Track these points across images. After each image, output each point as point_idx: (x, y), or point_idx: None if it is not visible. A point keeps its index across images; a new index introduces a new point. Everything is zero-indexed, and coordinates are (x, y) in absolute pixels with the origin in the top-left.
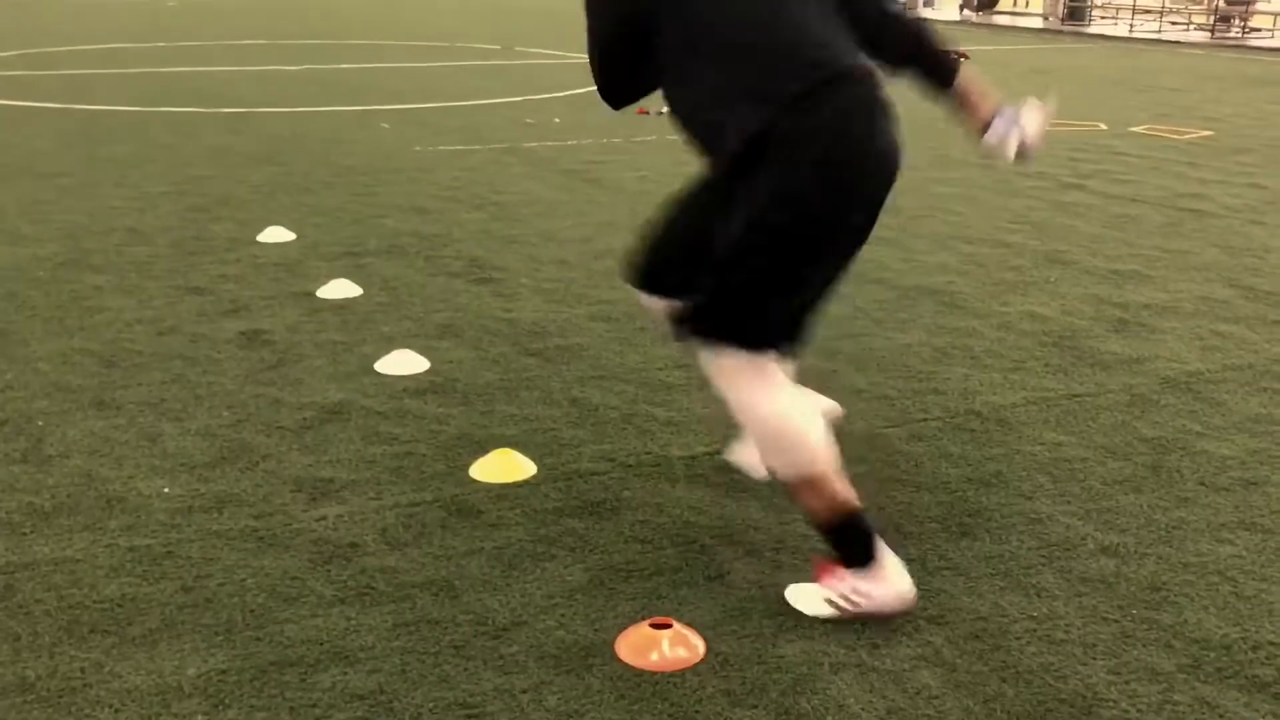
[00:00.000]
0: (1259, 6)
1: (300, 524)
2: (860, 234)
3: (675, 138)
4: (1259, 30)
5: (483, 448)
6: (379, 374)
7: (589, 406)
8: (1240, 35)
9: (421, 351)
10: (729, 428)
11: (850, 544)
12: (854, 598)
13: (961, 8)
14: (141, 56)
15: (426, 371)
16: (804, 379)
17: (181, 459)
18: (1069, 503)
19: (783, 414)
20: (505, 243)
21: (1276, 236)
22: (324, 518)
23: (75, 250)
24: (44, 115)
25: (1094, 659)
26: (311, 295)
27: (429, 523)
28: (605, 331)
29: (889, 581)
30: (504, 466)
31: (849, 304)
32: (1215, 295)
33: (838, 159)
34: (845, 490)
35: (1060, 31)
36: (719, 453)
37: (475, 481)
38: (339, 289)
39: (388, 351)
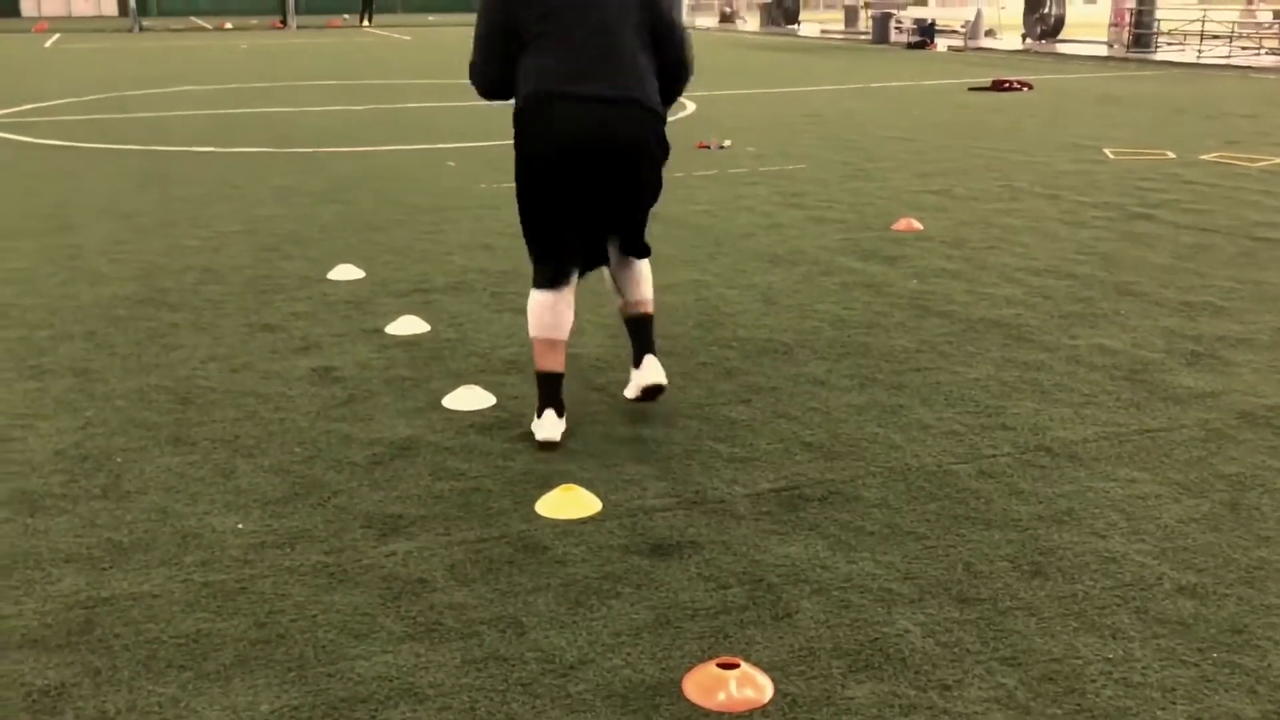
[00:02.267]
0: None
1: (370, 560)
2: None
3: (736, 172)
4: None
5: (548, 484)
6: (447, 410)
7: (653, 442)
8: None
9: (488, 387)
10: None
11: (539, 391)
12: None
13: (1024, 37)
14: (215, 98)
15: (493, 407)
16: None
17: (254, 495)
18: (1144, 541)
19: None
20: None
21: None
22: (393, 553)
23: (152, 289)
24: (123, 156)
25: (1173, 704)
26: (381, 332)
27: (496, 559)
28: (667, 366)
29: (541, 425)
30: (569, 503)
31: (915, 337)
32: None
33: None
34: (552, 362)
35: (1126, 59)
36: (786, 490)
37: (541, 518)
38: (408, 325)
39: (455, 387)
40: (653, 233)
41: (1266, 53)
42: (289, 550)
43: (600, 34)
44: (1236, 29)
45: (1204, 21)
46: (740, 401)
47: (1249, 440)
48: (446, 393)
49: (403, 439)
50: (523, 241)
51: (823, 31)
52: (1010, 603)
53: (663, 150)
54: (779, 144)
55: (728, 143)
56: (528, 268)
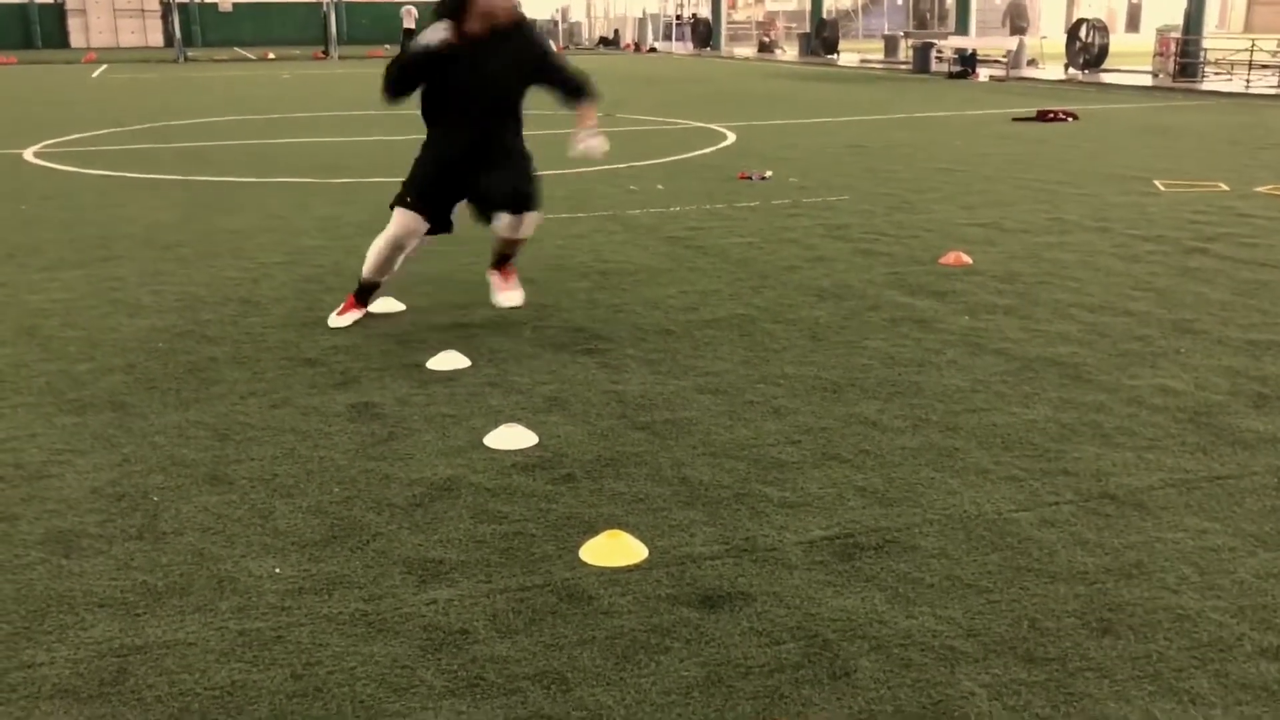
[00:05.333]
0: None
1: (410, 608)
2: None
3: (778, 203)
4: None
5: (592, 528)
6: (488, 449)
7: (699, 485)
8: None
9: (530, 425)
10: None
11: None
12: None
13: (1066, 67)
14: (259, 128)
15: (535, 446)
16: None
17: (293, 537)
18: (1219, 597)
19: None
20: (611, 312)
21: None
22: (434, 601)
23: (192, 321)
24: (167, 187)
25: None
26: (421, 367)
27: (540, 608)
28: (713, 405)
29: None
30: (615, 549)
31: (968, 376)
32: None
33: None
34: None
35: (1171, 89)
36: (839, 537)
37: (586, 564)
38: (448, 360)
39: (497, 425)
40: (694, 266)
41: None
42: (327, 597)
43: None
44: None
45: (1252, 50)
46: (790, 443)
47: None
48: (488, 431)
49: (443, 479)
50: (561, 274)
51: (862, 61)
52: (1080, 663)
53: None
54: (821, 175)
55: (769, 173)
56: (569, 301)
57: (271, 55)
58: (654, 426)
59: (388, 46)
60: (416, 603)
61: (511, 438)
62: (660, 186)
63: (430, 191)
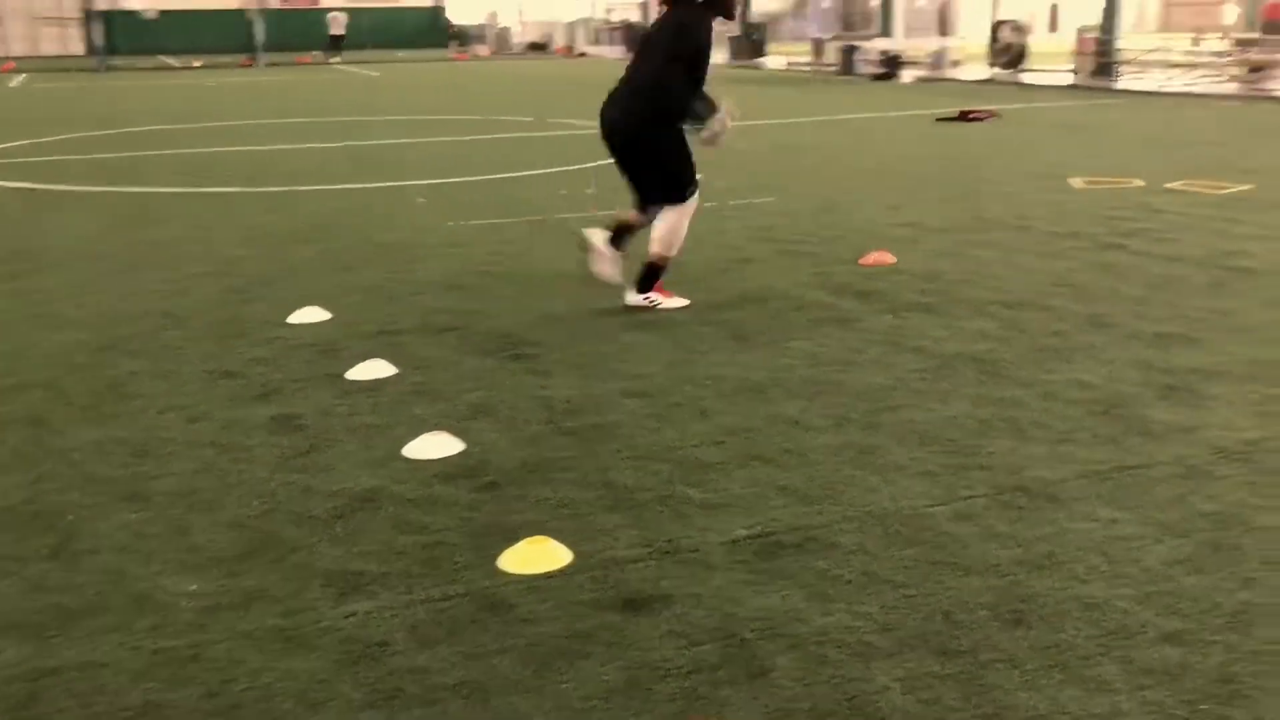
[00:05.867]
0: None
1: (329, 621)
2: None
3: (705, 206)
4: None
5: (515, 535)
6: (411, 458)
7: (624, 489)
8: (1275, 86)
9: (455, 433)
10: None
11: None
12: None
13: (990, 67)
14: (185, 138)
15: (459, 454)
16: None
17: (210, 553)
18: (1126, 585)
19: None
20: (540, 317)
21: None
22: (353, 614)
23: (113, 335)
24: (92, 198)
25: None
26: (345, 377)
27: (460, 618)
28: (639, 408)
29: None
30: (536, 556)
31: (889, 374)
32: (1267, 358)
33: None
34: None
35: (1090, 88)
36: (761, 536)
37: (507, 572)
38: (373, 369)
39: (420, 434)
40: (624, 269)
41: (1229, 80)
42: (244, 613)
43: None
44: (1195, 57)
45: (1165, 51)
46: (714, 444)
47: (1227, 476)
48: (411, 440)
49: (365, 490)
50: (490, 280)
51: (789, 64)
52: (991, 654)
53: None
54: (748, 177)
55: (700, 176)
56: (497, 307)
57: (197, 64)
58: (580, 431)
59: (315, 53)
60: (335, 616)
61: (435, 446)
62: (590, 190)
63: None
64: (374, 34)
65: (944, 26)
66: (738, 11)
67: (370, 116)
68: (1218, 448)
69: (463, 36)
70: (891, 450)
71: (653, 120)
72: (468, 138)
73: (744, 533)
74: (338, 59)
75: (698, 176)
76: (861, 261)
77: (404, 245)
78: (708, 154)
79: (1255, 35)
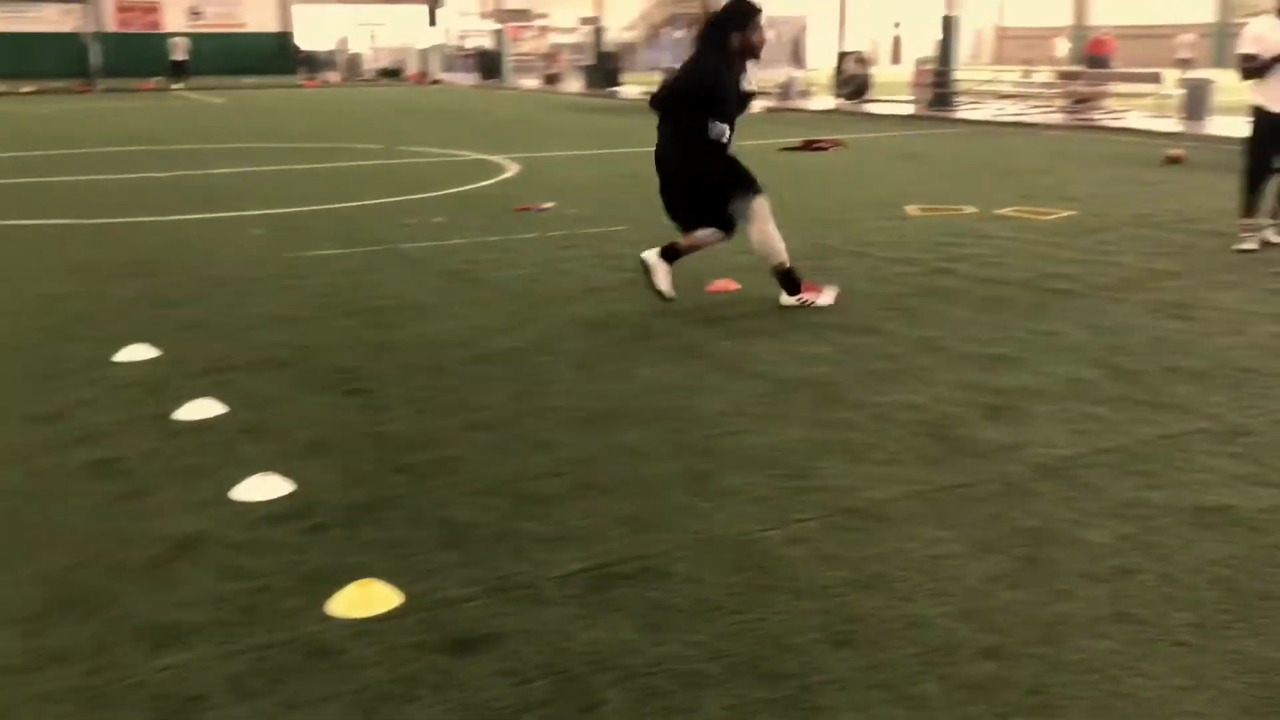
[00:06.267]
0: (1113, 89)
1: (139, 677)
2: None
3: (556, 234)
4: (1114, 111)
5: (345, 578)
6: (238, 501)
7: (459, 526)
8: (1096, 117)
9: (286, 473)
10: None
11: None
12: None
13: (835, 98)
14: (9, 166)
15: (289, 495)
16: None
17: (9, 611)
18: (948, 603)
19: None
20: (378, 350)
21: (1137, 314)
22: (167, 668)
23: None
24: None
25: None
26: (172, 417)
27: (282, 667)
28: (479, 441)
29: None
30: (365, 599)
31: (729, 399)
32: (1083, 376)
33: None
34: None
35: (928, 118)
36: (595, 569)
37: (334, 617)
38: (201, 409)
39: (249, 475)
40: (470, 300)
41: (1056, 110)
42: (42, 673)
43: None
44: (1025, 89)
45: (997, 82)
46: (554, 475)
47: (1045, 492)
48: (239, 482)
49: (187, 536)
50: (328, 313)
51: (644, 93)
52: (819, 677)
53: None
54: (601, 206)
55: (549, 205)
56: (334, 341)
57: (28, 89)
58: (416, 467)
59: (158, 79)
60: (147, 671)
61: (264, 488)
62: (437, 220)
63: None
64: (219, 60)
65: (796, 58)
66: (760, 48)
67: (212, 144)
68: (1037, 465)
69: (312, 63)
70: (728, 476)
71: (687, 159)
72: (313, 166)
73: (578, 566)
74: (180, 85)
75: (755, 181)
76: (708, 288)
77: (239, 278)
78: (560, 185)
79: (1079, 69)
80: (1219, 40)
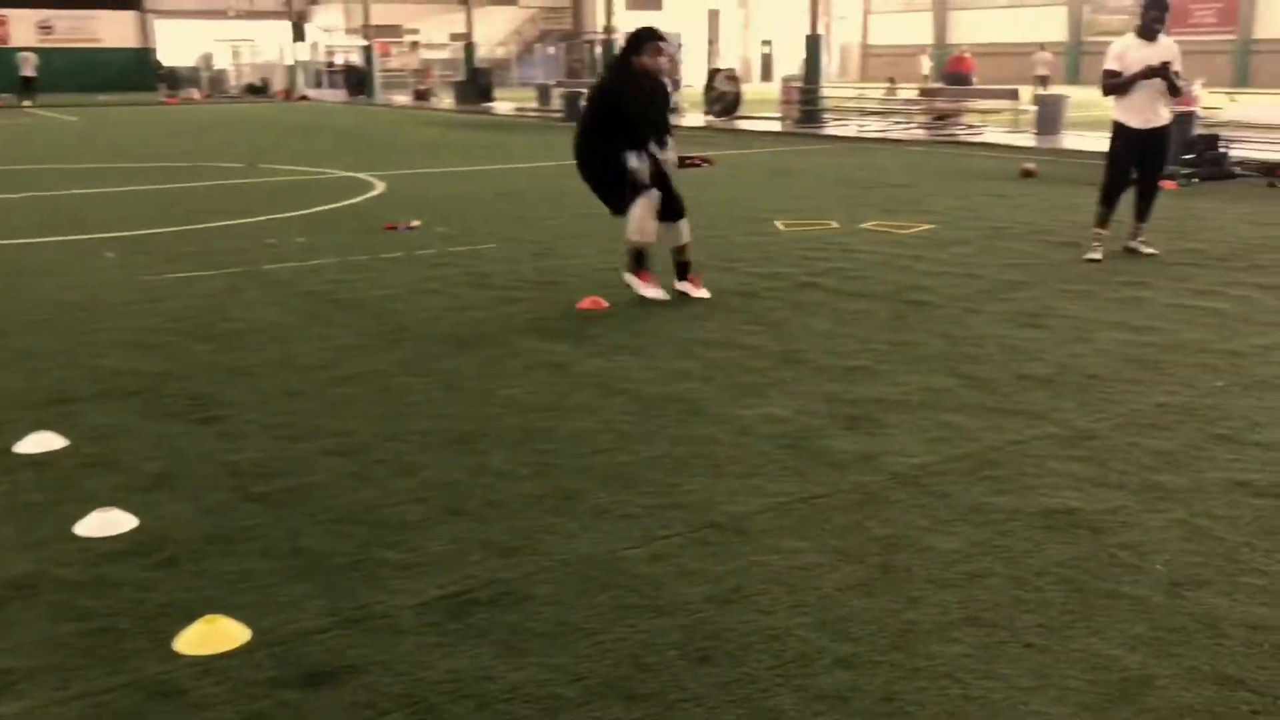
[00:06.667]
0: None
1: None
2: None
3: (424, 254)
4: (973, 127)
5: (192, 615)
6: (79, 538)
7: (314, 555)
8: (956, 132)
9: (131, 507)
10: None
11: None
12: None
13: (706, 115)
14: None
15: (134, 530)
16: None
17: None
18: (805, 614)
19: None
20: (234, 375)
21: (991, 324)
22: None
23: None
24: None
25: None
26: (7, 452)
27: (123, 711)
28: (338, 466)
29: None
30: (212, 635)
31: (597, 418)
32: (939, 385)
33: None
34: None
35: (797, 134)
36: (455, 595)
37: (180, 656)
38: (40, 443)
39: (91, 511)
40: (331, 321)
41: (917, 126)
42: None
43: None
44: (889, 105)
45: (862, 99)
46: (415, 501)
47: (900, 500)
48: (80, 518)
49: (21, 578)
50: (183, 338)
51: (517, 109)
52: (677, 694)
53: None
54: (470, 223)
55: (416, 223)
56: (188, 367)
57: None
58: (271, 497)
59: (6, 95)
60: None
61: (107, 523)
62: (301, 239)
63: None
64: (72, 76)
65: (674, 75)
66: (661, 70)
67: (64, 164)
68: (893, 473)
69: (174, 79)
70: (594, 494)
71: (587, 163)
72: (171, 186)
73: (437, 593)
74: (30, 103)
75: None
76: (578, 306)
77: (88, 304)
78: (428, 203)
79: (940, 85)
80: (1072, 58)
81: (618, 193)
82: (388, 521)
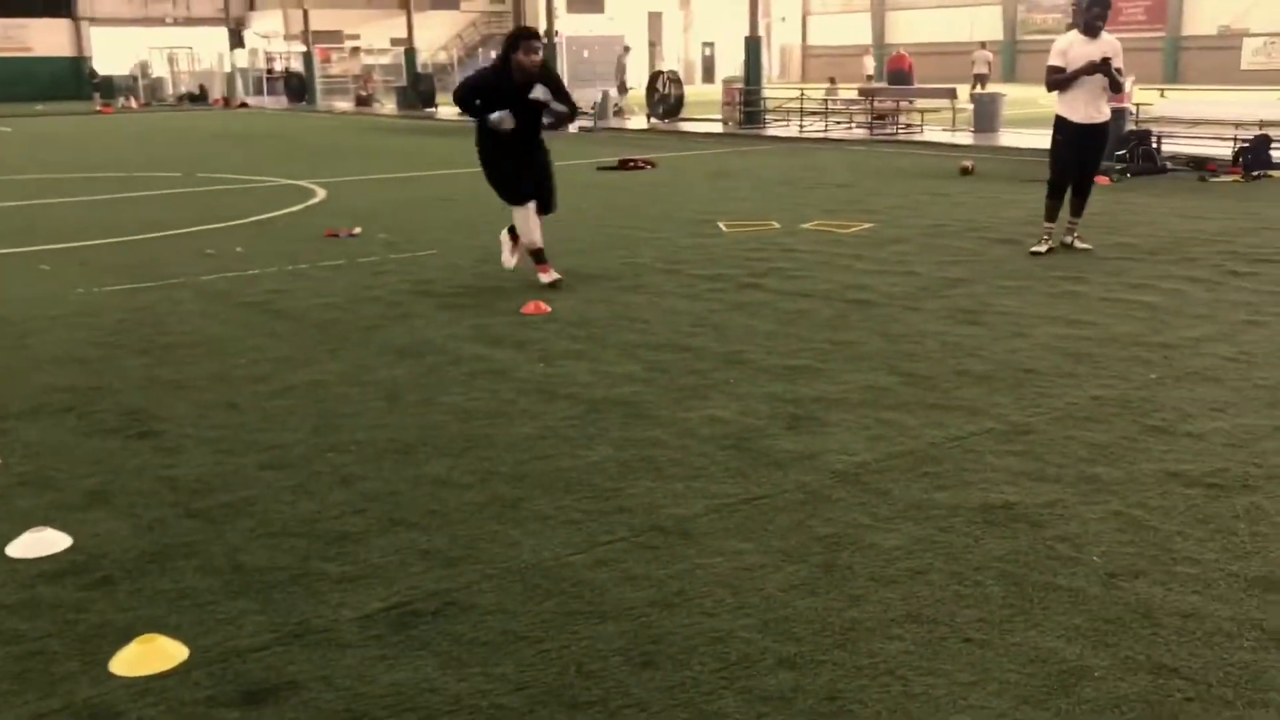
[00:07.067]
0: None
1: None
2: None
3: (366, 261)
4: (911, 126)
5: (128, 635)
6: (10, 558)
7: (254, 570)
8: (894, 131)
9: (65, 526)
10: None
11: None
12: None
13: (649, 117)
14: None
15: (68, 550)
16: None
17: None
18: (749, 615)
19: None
20: (171, 389)
21: (930, 321)
22: None
23: None
24: None
25: None
26: None
27: None
28: (277, 480)
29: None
30: (149, 656)
31: (539, 423)
32: (879, 384)
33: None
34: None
35: (739, 135)
36: (397, 607)
37: (115, 677)
38: None
39: (23, 531)
40: (271, 332)
41: (856, 126)
42: None
43: None
44: (829, 105)
45: (802, 99)
46: (355, 512)
47: (842, 499)
48: (12, 538)
49: None
50: (120, 352)
51: (459, 114)
52: (621, 700)
53: None
54: (412, 229)
55: (358, 230)
56: (123, 381)
57: None
58: (209, 512)
59: None
60: None
61: (39, 543)
62: (239, 249)
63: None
64: (5, 85)
65: (620, 78)
66: (530, 66)
67: None
68: (835, 472)
69: (110, 88)
70: (536, 501)
71: (484, 163)
72: (108, 197)
73: (379, 605)
74: None
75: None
76: (522, 311)
77: (21, 318)
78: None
79: (880, 85)
80: (1008, 56)
81: (509, 189)
82: (328, 534)
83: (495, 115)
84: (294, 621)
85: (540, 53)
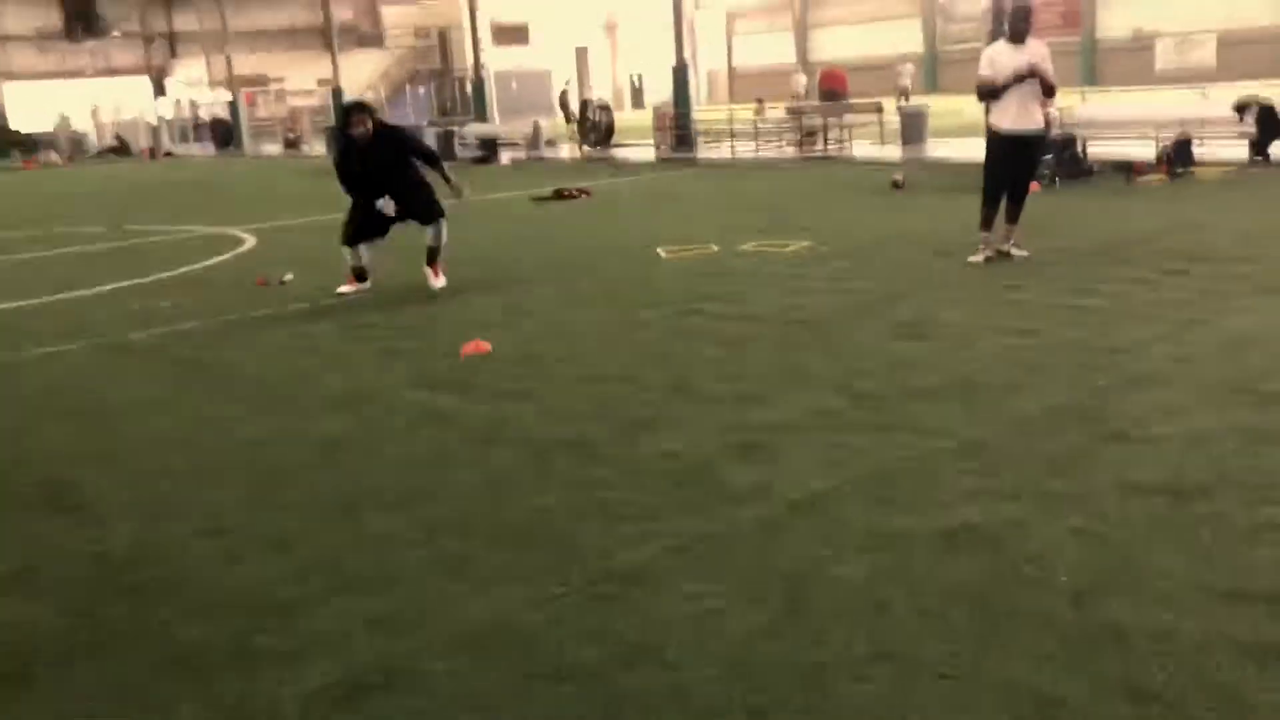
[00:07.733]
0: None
1: None
2: None
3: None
4: (841, 143)
5: None
6: None
7: (188, 650)
8: (824, 149)
9: None
10: None
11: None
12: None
13: (580, 145)
14: None
15: None
16: None
17: None
18: (712, 665)
19: None
20: (97, 458)
21: (875, 338)
22: None
23: None
24: None
25: None
26: None
27: None
28: (212, 549)
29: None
30: None
31: (483, 471)
32: (828, 406)
33: None
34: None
35: (672, 160)
36: (342, 681)
37: None
38: None
39: None
40: (203, 390)
41: (787, 145)
42: None
43: None
44: (759, 127)
45: (731, 121)
46: (295, 580)
47: (799, 529)
48: None
49: None
50: (40, 419)
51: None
52: None
53: None
54: (345, 274)
55: (289, 276)
56: (47, 450)
57: None
58: (141, 588)
59: None
60: None
61: None
62: (165, 304)
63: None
64: None
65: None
66: (367, 134)
67: None
68: (790, 501)
69: (27, 144)
70: (485, 555)
71: None
72: (27, 256)
73: (323, 680)
74: None
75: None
76: (462, 352)
77: None
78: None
79: (806, 103)
80: (930, 68)
81: (347, 227)
82: (265, 605)
83: (379, 203)
84: (230, 704)
85: (369, 123)
